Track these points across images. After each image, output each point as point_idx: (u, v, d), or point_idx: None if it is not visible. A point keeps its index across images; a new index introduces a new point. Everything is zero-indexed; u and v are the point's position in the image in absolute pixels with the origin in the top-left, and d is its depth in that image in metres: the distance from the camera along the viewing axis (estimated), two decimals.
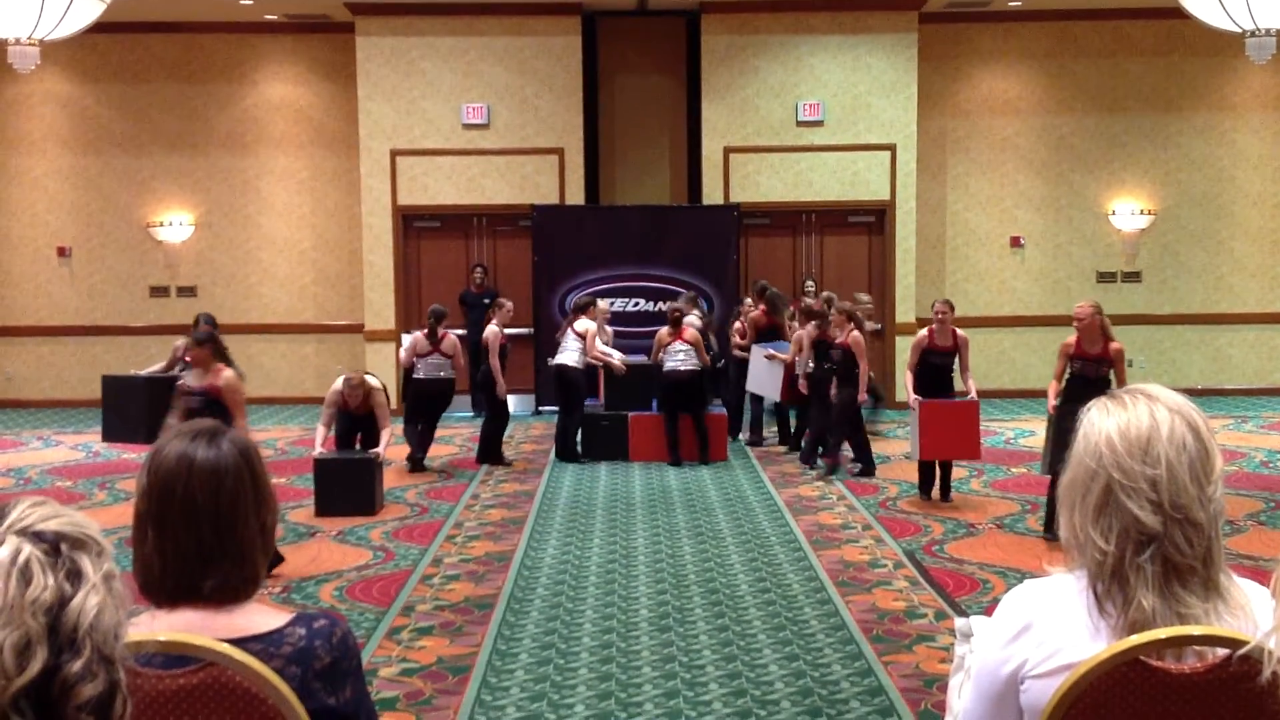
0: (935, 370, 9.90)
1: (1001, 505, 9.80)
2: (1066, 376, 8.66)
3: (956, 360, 9.99)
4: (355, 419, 9.99)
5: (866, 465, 10.98)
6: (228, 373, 7.82)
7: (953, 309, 10.12)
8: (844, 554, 8.29)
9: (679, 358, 11.65)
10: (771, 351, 12.04)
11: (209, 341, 7.92)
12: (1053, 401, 8.60)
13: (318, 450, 9.90)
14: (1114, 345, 8.56)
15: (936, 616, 6.80)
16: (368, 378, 9.96)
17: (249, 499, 2.02)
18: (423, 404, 11.58)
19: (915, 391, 9.81)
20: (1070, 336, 8.71)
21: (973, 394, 10.01)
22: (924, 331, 10.08)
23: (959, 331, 10.04)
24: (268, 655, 1.93)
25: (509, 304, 12.10)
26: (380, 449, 9.76)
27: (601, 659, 6.13)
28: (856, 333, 10.72)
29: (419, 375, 11.52)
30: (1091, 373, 8.48)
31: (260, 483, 2.04)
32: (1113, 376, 8.49)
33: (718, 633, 6.54)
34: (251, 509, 2.02)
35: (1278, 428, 13.70)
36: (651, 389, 12.14)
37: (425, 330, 11.64)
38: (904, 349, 14.63)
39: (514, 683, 5.82)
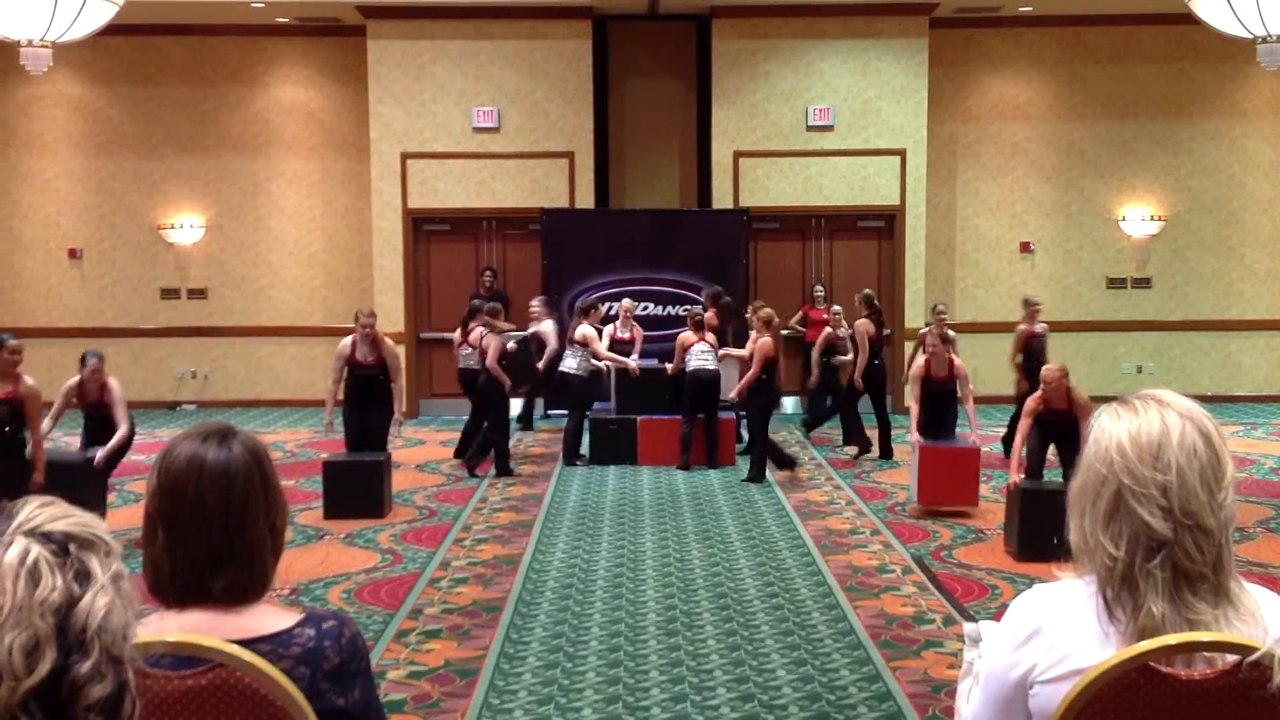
0: (935, 398, 10.03)
1: None
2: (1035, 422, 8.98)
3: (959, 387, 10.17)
4: (366, 389, 10.18)
5: (758, 472, 11.14)
6: (28, 379, 8.30)
7: (945, 340, 10.16)
8: (852, 559, 8.27)
9: (704, 358, 11.71)
10: (726, 351, 12.13)
11: (20, 351, 8.38)
12: (1014, 478, 8.69)
13: (329, 410, 10.49)
14: (1080, 404, 8.73)
15: (945, 622, 6.79)
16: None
17: (259, 501, 2.02)
18: (464, 390, 12.22)
19: (920, 425, 9.85)
20: (1036, 395, 8.95)
21: (974, 436, 9.95)
22: (920, 361, 10.26)
23: (957, 361, 10.16)
24: (277, 656, 1.93)
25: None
26: (395, 411, 10.34)
27: (609, 663, 6.13)
28: (765, 339, 11.09)
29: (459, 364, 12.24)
30: (1059, 420, 8.82)
31: (270, 484, 2.04)
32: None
33: (725, 637, 6.54)
34: (261, 510, 2.02)
35: None
36: (662, 393, 12.11)
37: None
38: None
39: (521, 686, 5.82)
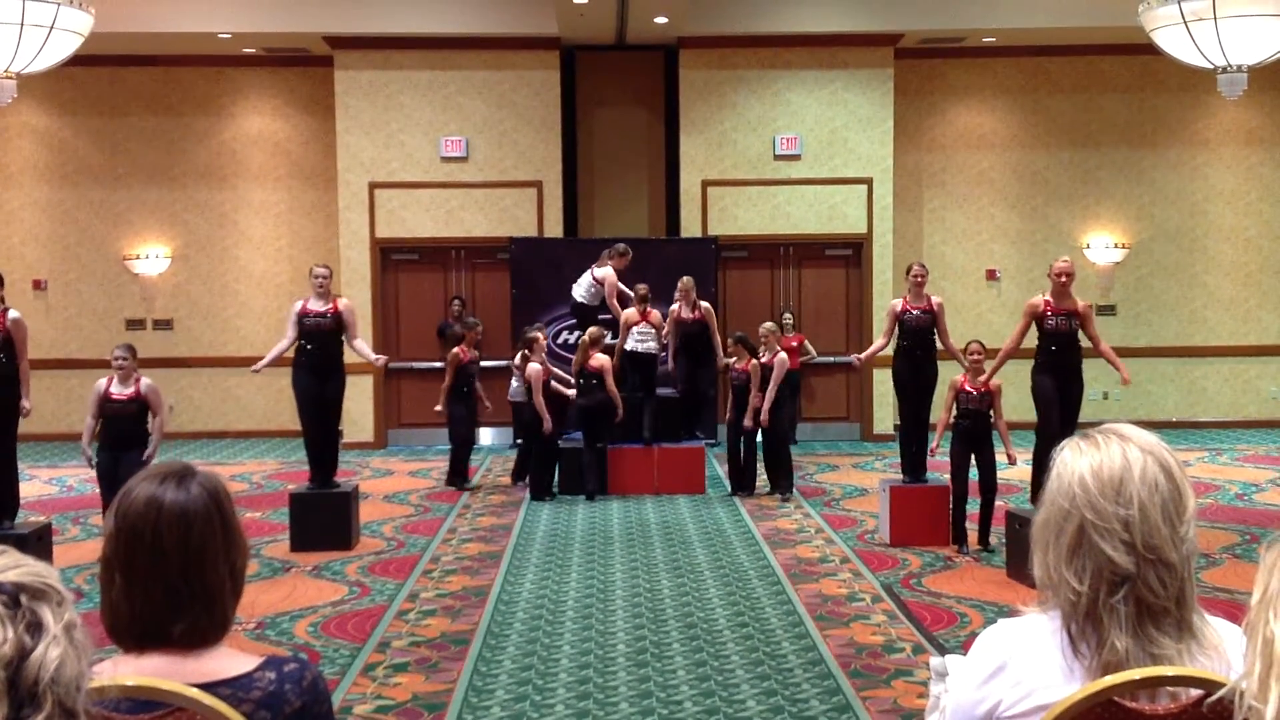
0: (914, 331, 9.96)
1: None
2: (1040, 341, 9.58)
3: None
4: (320, 347, 9.72)
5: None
6: (146, 379, 8.77)
7: (927, 272, 10.43)
8: (822, 588, 8.27)
9: (644, 338, 12.27)
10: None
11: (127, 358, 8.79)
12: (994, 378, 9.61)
13: (272, 357, 10.25)
14: (1082, 307, 9.43)
15: (914, 651, 6.79)
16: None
17: (218, 542, 1.99)
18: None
19: (895, 360, 10.05)
20: (1041, 298, 9.50)
21: (957, 355, 9.95)
22: (897, 300, 10.30)
23: (934, 297, 10.23)
24: (237, 700, 1.91)
25: (543, 338, 11.96)
26: (371, 356, 10.50)
27: (579, 695, 6.09)
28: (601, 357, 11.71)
29: None
30: (1065, 327, 9.37)
31: (230, 525, 2.02)
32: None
33: (695, 668, 6.51)
34: (221, 552, 1.99)
35: (1252, 460, 13.75)
36: (631, 421, 12.04)
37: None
38: (881, 380, 14.68)
39: (490, 719, 5.78)
